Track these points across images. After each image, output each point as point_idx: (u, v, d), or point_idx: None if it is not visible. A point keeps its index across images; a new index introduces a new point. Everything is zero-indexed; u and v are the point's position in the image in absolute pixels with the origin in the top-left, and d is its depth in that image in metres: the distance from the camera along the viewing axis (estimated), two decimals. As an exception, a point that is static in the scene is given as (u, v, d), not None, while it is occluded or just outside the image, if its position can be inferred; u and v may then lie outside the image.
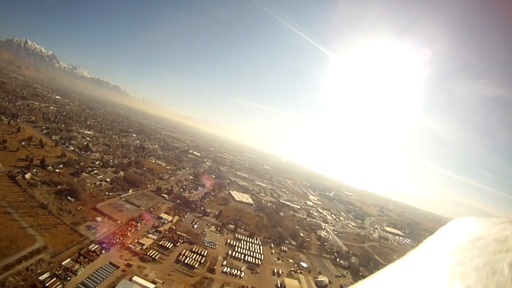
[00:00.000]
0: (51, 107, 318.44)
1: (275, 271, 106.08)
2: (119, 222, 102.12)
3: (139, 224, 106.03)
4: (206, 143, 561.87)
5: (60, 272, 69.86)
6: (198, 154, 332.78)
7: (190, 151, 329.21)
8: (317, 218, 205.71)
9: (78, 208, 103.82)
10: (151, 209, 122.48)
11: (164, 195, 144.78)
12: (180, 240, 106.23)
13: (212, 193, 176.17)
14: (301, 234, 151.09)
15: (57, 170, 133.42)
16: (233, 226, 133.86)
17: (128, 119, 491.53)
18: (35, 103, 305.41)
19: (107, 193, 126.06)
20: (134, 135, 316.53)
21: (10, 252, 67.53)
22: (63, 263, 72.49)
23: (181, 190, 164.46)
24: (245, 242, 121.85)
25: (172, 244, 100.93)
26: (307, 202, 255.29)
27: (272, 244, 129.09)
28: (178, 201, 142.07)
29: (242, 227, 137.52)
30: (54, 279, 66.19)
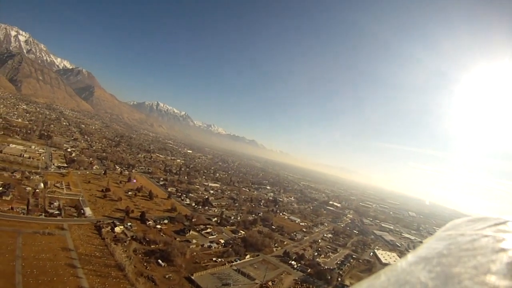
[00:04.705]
0: (178, 160, 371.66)
1: None
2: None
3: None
4: (347, 191, 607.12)
5: None
6: (339, 205, 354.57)
7: (330, 202, 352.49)
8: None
9: (166, 276, 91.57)
10: (270, 282, 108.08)
11: (292, 261, 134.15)
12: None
13: (354, 255, 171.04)
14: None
15: (158, 226, 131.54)
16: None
17: (264, 171, 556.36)
18: (160, 156, 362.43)
19: (214, 258, 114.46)
20: (268, 187, 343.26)
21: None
22: None
23: (316, 253, 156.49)
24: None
25: None
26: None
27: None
28: (308, 270, 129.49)
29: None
30: None
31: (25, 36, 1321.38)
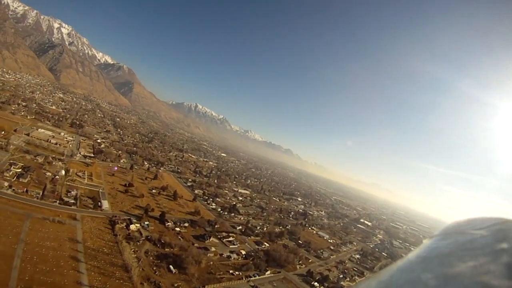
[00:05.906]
0: (210, 162, 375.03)
1: None
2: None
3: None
4: (378, 210, 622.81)
5: None
6: (369, 223, 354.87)
7: (361, 220, 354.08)
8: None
9: (175, 285, 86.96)
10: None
11: (315, 283, 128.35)
12: None
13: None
14: None
15: (177, 229, 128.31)
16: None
17: (297, 182, 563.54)
18: (193, 156, 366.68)
19: (232, 271, 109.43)
20: (299, 199, 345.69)
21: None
22: None
23: (341, 276, 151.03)
24: None
25: None
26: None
27: None
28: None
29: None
30: None
31: (67, 29, 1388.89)
